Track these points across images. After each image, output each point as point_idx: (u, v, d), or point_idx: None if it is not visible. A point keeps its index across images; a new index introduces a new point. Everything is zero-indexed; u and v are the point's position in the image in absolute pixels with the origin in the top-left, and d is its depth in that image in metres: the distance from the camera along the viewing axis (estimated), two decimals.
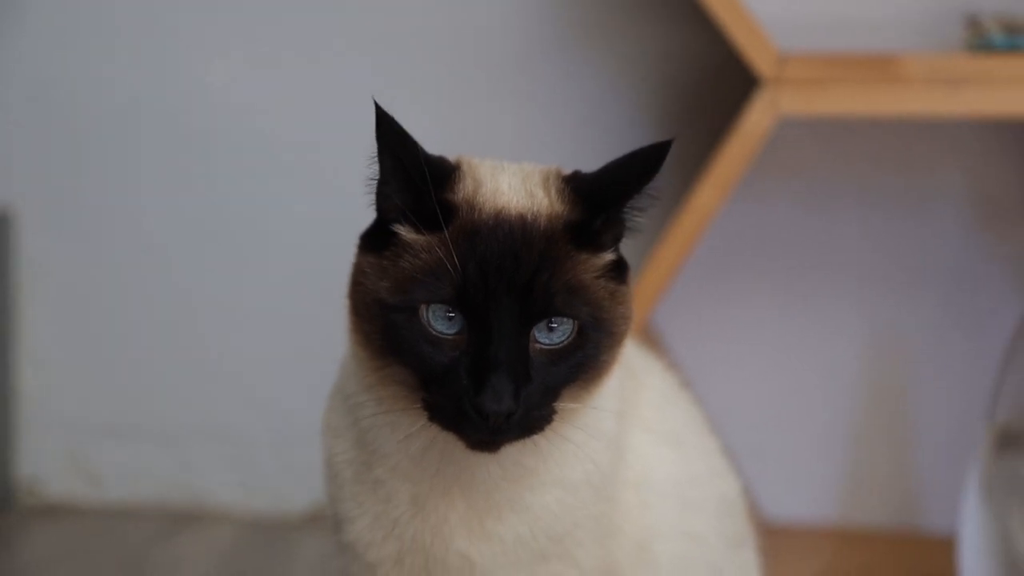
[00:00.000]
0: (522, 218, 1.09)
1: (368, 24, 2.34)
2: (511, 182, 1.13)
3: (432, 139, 2.30)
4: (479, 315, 1.07)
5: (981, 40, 1.92)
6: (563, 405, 1.10)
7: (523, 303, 1.06)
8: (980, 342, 2.19)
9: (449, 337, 1.08)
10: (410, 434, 1.10)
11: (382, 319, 1.11)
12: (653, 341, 1.86)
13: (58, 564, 2.16)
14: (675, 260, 1.89)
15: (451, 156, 1.18)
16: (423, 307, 1.08)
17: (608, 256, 1.13)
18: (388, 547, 1.16)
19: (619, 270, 1.15)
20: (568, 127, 2.33)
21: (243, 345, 2.42)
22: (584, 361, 1.10)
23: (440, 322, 1.08)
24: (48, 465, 2.46)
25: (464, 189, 1.11)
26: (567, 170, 1.18)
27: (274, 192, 2.40)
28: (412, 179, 1.09)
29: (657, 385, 1.35)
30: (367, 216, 2.45)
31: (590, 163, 2.19)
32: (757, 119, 1.82)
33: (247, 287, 2.42)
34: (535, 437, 1.09)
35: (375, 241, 1.14)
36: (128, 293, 2.41)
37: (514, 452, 1.11)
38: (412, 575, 1.17)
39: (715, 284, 2.30)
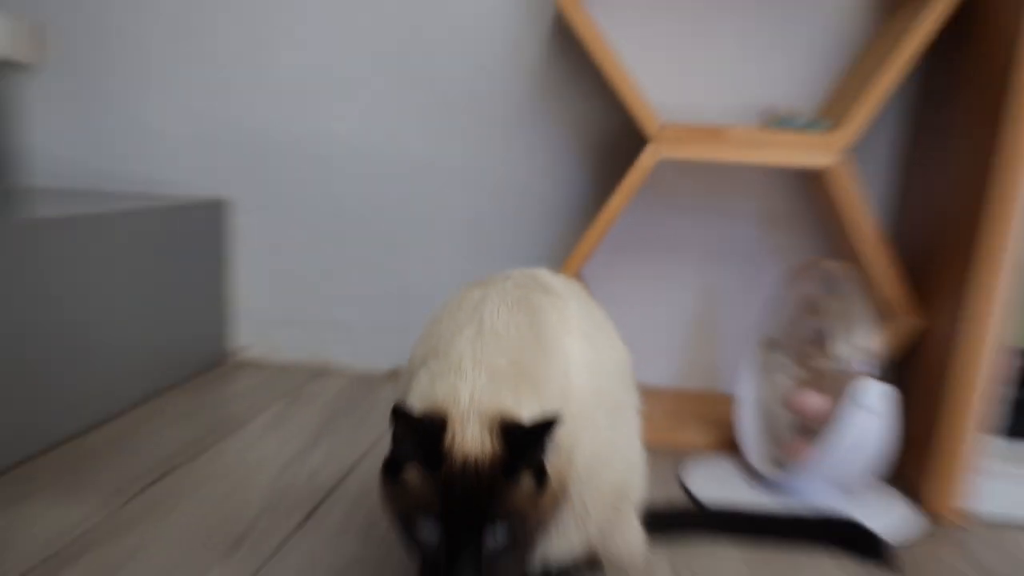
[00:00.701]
0: (477, 465, 1.03)
1: (422, 88, 2.38)
2: (472, 432, 1.05)
3: (460, 157, 2.41)
4: (450, 530, 1.03)
5: (772, 121, 2.01)
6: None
7: (477, 522, 1.03)
8: (760, 293, 2.28)
9: (432, 545, 1.05)
10: None
11: (399, 524, 1.09)
12: (581, 282, 1.76)
13: (251, 394, 2.29)
14: (596, 239, 1.97)
15: (442, 398, 1.08)
16: (417, 519, 1.05)
17: (528, 480, 1.06)
18: None
19: (540, 480, 1.08)
20: (539, 157, 2.37)
21: (352, 277, 2.50)
22: (516, 548, 1.08)
23: (426, 534, 1.05)
24: (246, 340, 2.59)
25: (447, 440, 1.04)
26: (508, 415, 1.07)
27: (384, 196, 2.44)
28: (416, 442, 1.05)
29: (575, 303, 1.32)
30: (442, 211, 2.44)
31: (552, 181, 2.38)
32: (647, 159, 1.88)
33: (359, 244, 2.49)
34: None
35: (392, 469, 1.09)
36: (289, 245, 2.50)
37: None
38: None
39: (616, 255, 2.37)
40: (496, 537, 1.04)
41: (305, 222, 2.49)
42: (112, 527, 1.51)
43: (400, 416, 1.05)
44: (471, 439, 1.05)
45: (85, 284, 1.93)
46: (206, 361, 2.47)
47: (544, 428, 1.05)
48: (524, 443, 1.05)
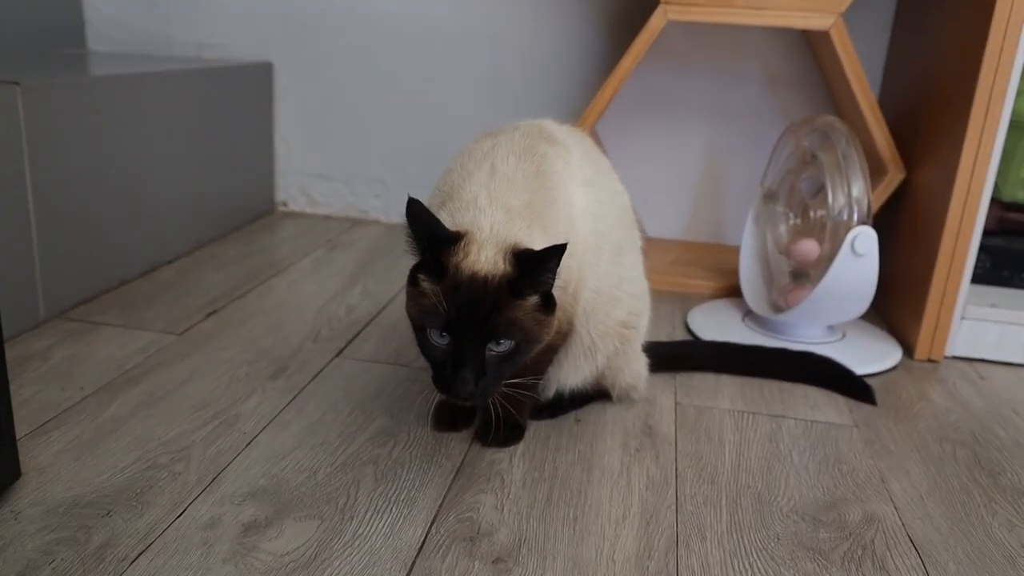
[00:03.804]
0: (485, 278, 1.04)
1: None
2: (486, 255, 1.06)
3: (485, 23, 2.34)
4: (457, 335, 1.05)
5: None
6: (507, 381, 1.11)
7: (481, 330, 1.04)
8: (761, 148, 2.17)
9: (442, 347, 1.06)
10: None
11: (415, 332, 1.11)
12: (595, 138, 1.86)
13: (295, 241, 2.29)
14: (608, 97, 1.93)
15: (465, 227, 1.09)
16: (428, 328, 1.07)
17: (534, 299, 1.08)
18: None
19: (546, 305, 1.10)
20: (559, 22, 2.30)
21: (386, 136, 2.46)
22: (519, 360, 1.09)
23: (436, 338, 1.06)
24: (290, 193, 2.58)
25: (456, 256, 1.05)
26: (521, 245, 1.08)
27: (415, 60, 2.40)
28: (425, 246, 1.06)
29: (579, 152, 1.31)
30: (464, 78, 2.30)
31: (570, 44, 2.33)
32: (656, 21, 1.84)
33: (390, 109, 2.45)
34: None
35: (413, 277, 1.10)
36: (329, 107, 2.47)
37: None
38: None
39: (629, 115, 2.32)
40: (499, 347, 1.07)
41: (342, 85, 2.45)
42: (171, 354, 1.54)
43: (413, 214, 1.06)
44: (484, 260, 1.06)
45: (143, 139, 1.92)
46: (254, 212, 2.47)
47: (551, 253, 1.04)
48: (532, 264, 1.05)
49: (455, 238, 1.07)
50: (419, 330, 1.10)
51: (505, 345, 1.07)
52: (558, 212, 1.19)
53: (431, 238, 1.06)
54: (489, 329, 1.05)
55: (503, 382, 1.10)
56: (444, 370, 1.07)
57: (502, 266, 1.06)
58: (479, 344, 1.05)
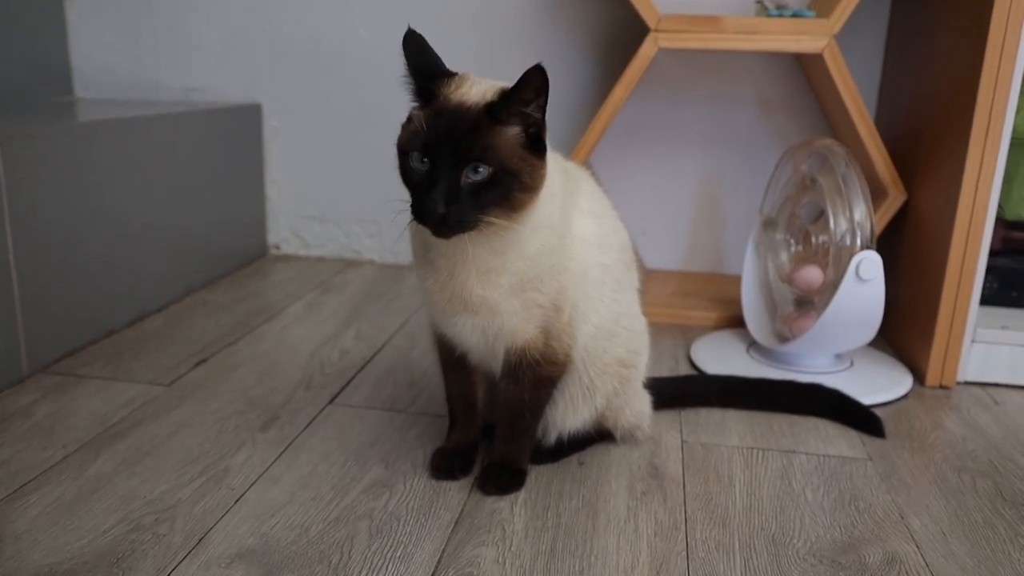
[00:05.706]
0: (469, 106, 1.07)
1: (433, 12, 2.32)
2: (477, 90, 1.09)
3: (472, 58, 2.27)
4: (435, 160, 1.06)
5: (764, 11, 1.93)
6: (493, 220, 1.08)
7: (457, 154, 1.05)
8: (759, 174, 2.18)
9: (420, 171, 1.07)
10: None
11: (399, 159, 1.11)
12: (591, 171, 1.86)
13: (287, 284, 2.26)
14: (601, 128, 1.92)
15: (463, 71, 1.13)
16: (410, 152, 1.08)
17: (516, 130, 1.09)
18: (442, 294, 1.17)
19: (536, 148, 1.10)
20: (545, 55, 2.30)
21: (378, 175, 2.37)
22: (498, 195, 1.08)
23: (416, 163, 1.07)
24: (282, 236, 2.55)
25: (447, 88, 1.09)
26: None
27: (403, 99, 2.41)
28: (417, 75, 1.10)
29: (587, 186, 1.32)
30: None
31: (561, 78, 2.30)
32: (647, 49, 1.83)
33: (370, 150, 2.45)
34: (498, 233, 1.10)
35: (410, 117, 1.12)
36: (319, 147, 2.44)
37: (489, 242, 1.12)
38: (457, 307, 1.17)
39: (623, 146, 2.31)
40: (476, 174, 1.06)
41: (332, 124, 2.43)
42: (158, 407, 1.49)
43: (408, 44, 1.11)
44: (475, 93, 1.09)
45: (129, 185, 1.89)
46: (245, 256, 2.44)
47: (532, 74, 1.05)
48: (513, 89, 1.07)
49: (450, 74, 1.11)
50: (403, 155, 1.11)
51: (482, 173, 1.06)
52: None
53: (425, 67, 1.10)
54: (464, 151, 1.06)
55: (481, 218, 1.08)
56: (420, 193, 1.08)
57: (488, 97, 1.09)
58: (454, 168, 1.06)
